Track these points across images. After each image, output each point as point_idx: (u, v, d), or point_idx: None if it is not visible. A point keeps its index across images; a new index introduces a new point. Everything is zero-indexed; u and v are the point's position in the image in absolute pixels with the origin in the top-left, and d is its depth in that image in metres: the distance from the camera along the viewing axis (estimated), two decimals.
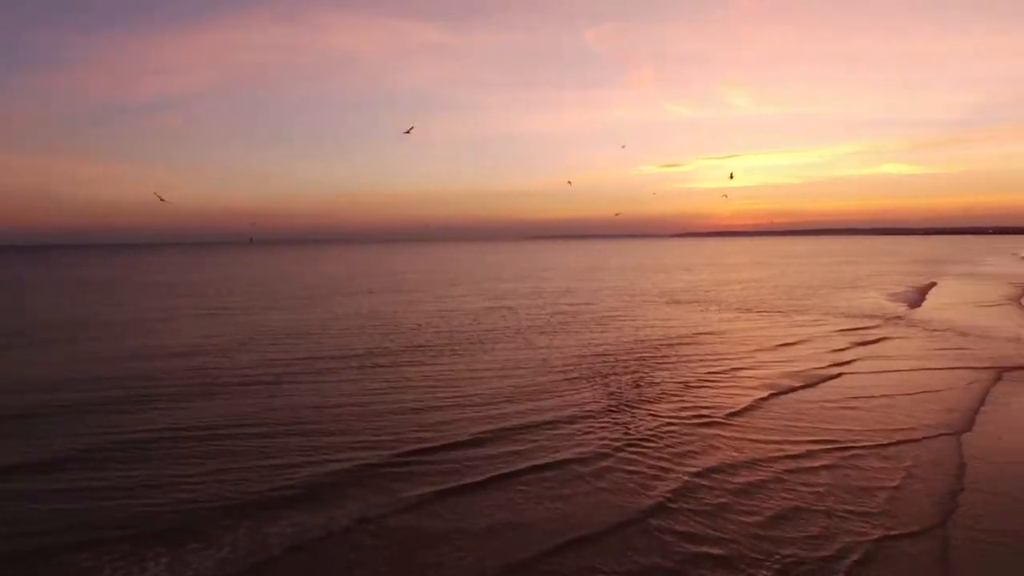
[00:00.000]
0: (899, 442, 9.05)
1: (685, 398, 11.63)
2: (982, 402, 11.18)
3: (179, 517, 6.86)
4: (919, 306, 25.53)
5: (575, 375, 13.49)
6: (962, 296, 29.48)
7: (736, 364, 14.53)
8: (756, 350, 16.31)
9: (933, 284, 35.86)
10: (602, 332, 19.52)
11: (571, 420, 10.20)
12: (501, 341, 17.98)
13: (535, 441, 9.22)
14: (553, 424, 9.99)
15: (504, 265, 68.73)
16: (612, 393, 11.97)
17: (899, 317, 22.09)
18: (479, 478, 7.86)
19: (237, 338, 18.86)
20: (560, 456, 8.57)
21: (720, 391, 12.19)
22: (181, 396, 11.94)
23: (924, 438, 9.24)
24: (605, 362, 14.87)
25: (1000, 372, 13.39)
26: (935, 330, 19.15)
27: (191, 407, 11.19)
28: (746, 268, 57.84)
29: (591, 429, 9.76)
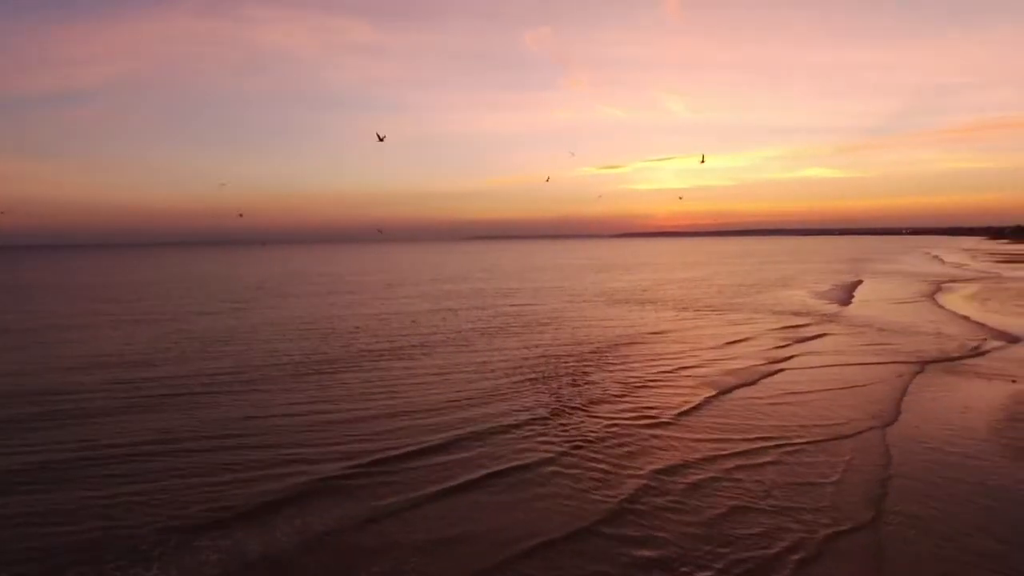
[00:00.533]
0: (835, 437, 9.36)
1: (628, 399, 11.66)
2: (904, 393, 11.78)
3: (95, 547, 6.26)
4: (848, 304, 26.68)
5: (519, 378, 13.33)
6: (885, 294, 31.02)
7: (677, 364, 14.70)
8: (696, 349, 16.59)
9: (859, 282, 37.72)
10: (545, 334, 19.46)
11: (518, 426, 10.02)
12: (443, 344, 17.66)
13: (482, 449, 9.00)
14: (499, 431, 9.78)
15: (446, 266, 68.17)
16: (557, 396, 11.87)
17: (830, 315, 22.99)
18: (427, 490, 7.58)
19: (162, 346, 17.79)
20: (508, 464, 8.39)
21: (662, 391, 12.29)
22: (98, 411, 11.07)
23: (856, 433, 9.59)
24: (548, 364, 14.78)
25: (922, 365, 14.13)
26: (863, 327, 20.02)
27: (109, 423, 10.38)
28: (683, 268, 59.34)
29: (538, 434, 9.62)
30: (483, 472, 8.11)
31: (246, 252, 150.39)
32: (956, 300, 27.08)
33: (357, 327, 21.20)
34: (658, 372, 13.87)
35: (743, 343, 17.38)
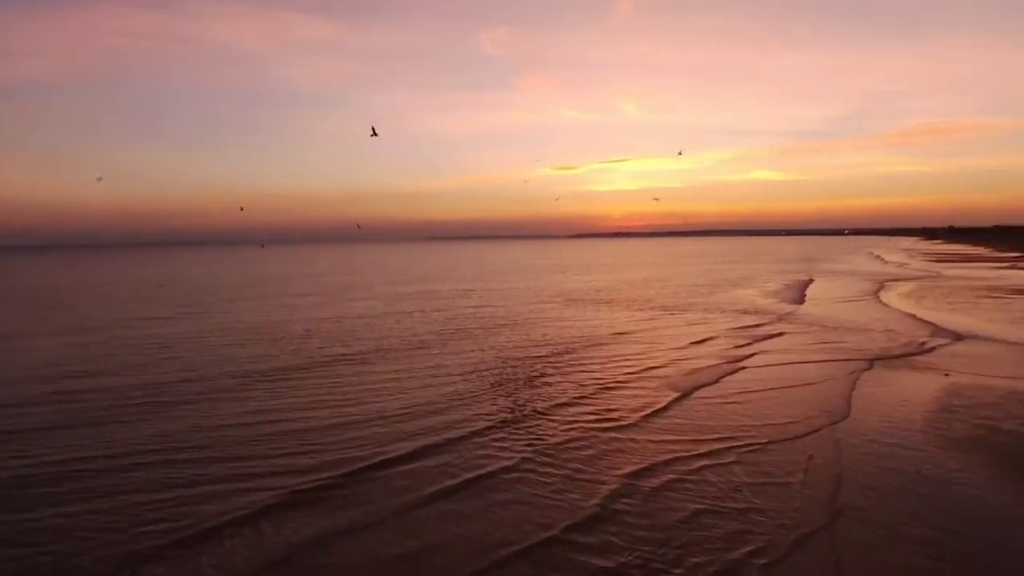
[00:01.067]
0: (791, 436, 9.58)
1: (589, 402, 11.68)
2: (853, 389, 12.28)
3: None
4: (800, 303, 27.45)
5: (477, 383, 13.24)
6: (834, 293, 32.09)
7: (637, 365, 14.83)
8: (656, 350, 16.76)
9: (810, 281, 39.06)
10: (502, 336, 19.47)
11: (478, 433, 9.90)
12: (399, 349, 17.44)
13: (442, 459, 8.84)
14: (459, 440, 9.63)
15: (404, 267, 67.49)
16: (516, 401, 11.81)
17: (784, 314, 23.57)
18: (387, 504, 7.41)
19: (106, 353, 17.01)
20: (469, 474, 8.26)
21: (622, 393, 12.38)
22: (37, 427, 10.49)
23: (810, 431, 9.83)
24: (507, 368, 14.73)
25: (870, 362, 14.72)
26: (815, 325, 20.67)
27: (49, 439, 9.85)
28: (640, 268, 60.27)
29: (499, 441, 9.54)
30: (445, 484, 7.97)
31: (196, 253, 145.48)
32: (901, 298, 28.27)
33: (310, 330, 20.79)
34: (618, 374, 13.98)
35: (702, 343, 17.64)
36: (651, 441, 9.52)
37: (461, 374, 14.07)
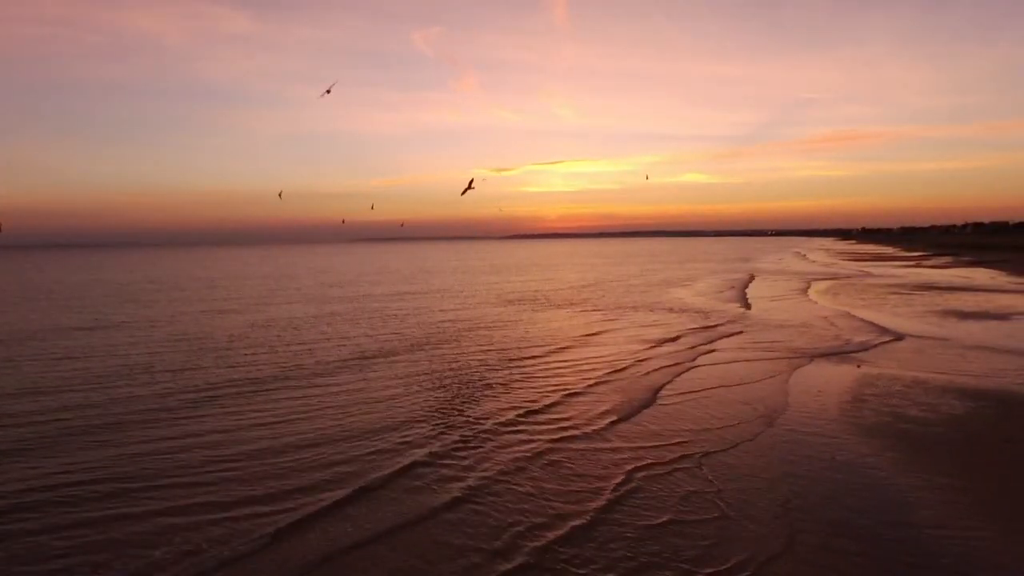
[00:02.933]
0: (737, 443, 9.29)
1: (543, 415, 10.94)
2: (787, 385, 12.65)
3: None
4: (741, 303, 27.94)
5: (416, 399, 12.06)
6: (772, 292, 33.09)
7: (583, 373, 14.35)
8: (600, 356, 16.07)
9: (749, 280, 40.38)
10: (441, 345, 19.09)
11: (424, 463, 8.61)
12: (327, 363, 16.72)
13: (381, 496, 7.61)
14: (401, 471, 8.34)
15: (332, 269, 65.70)
16: (460, 416, 11.02)
17: (726, 314, 24.05)
18: (331, 547, 6.36)
19: None
20: (412, 513, 7.13)
21: (579, 404, 11.75)
22: None
23: (749, 428, 9.92)
24: (447, 379, 13.60)
25: (810, 358, 15.22)
26: (756, 324, 21.16)
27: None
28: (577, 269, 61.07)
29: (442, 466, 8.55)
30: (387, 526, 6.87)
31: (102, 255, 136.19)
32: (834, 297, 29.51)
33: (231, 339, 19.78)
34: (566, 382, 13.31)
35: (652, 347, 17.05)
36: (605, 450, 9.14)
37: (398, 389, 12.79)
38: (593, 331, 20.28)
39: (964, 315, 21.93)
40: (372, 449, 9.19)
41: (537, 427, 10.25)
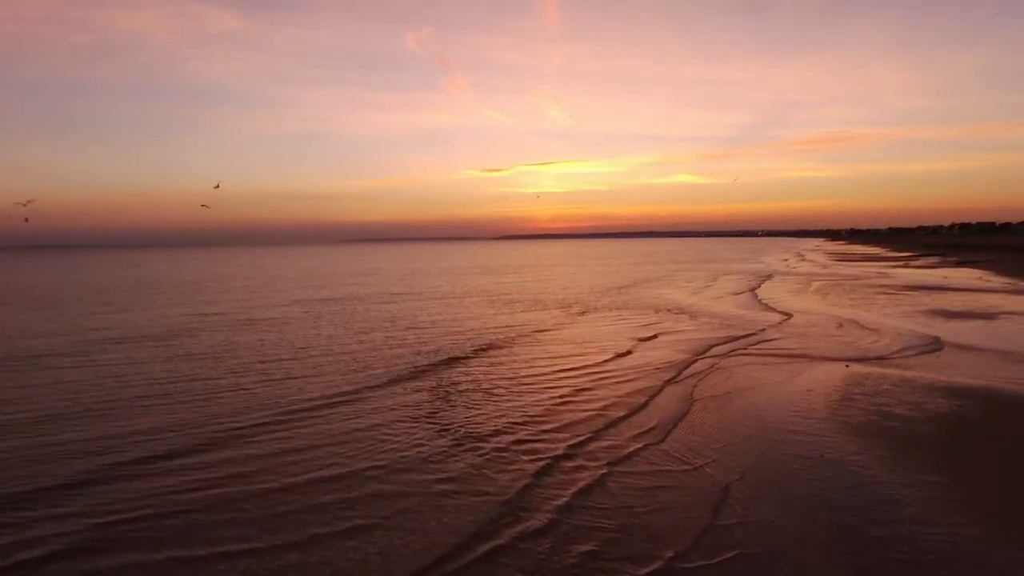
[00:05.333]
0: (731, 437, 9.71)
1: (544, 420, 10.90)
2: (802, 384, 12.71)
3: None
4: (764, 307, 26.34)
5: (395, 409, 11.61)
6: (786, 296, 32.39)
7: (589, 373, 14.37)
8: (605, 358, 15.93)
9: (760, 283, 38.24)
10: (429, 348, 18.92)
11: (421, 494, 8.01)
12: (313, 368, 16.78)
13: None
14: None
15: (319, 270, 65.29)
16: (443, 426, 11.11)
17: (757, 320, 23.90)
18: None
19: None
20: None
21: (581, 401, 12.08)
22: None
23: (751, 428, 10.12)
24: (440, 393, 12.37)
25: (848, 362, 15.28)
26: (805, 327, 21.11)
27: None
28: (601, 270, 60.88)
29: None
30: None
31: (88, 256, 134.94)
32: (844, 300, 29.33)
33: (211, 348, 19.68)
34: (572, 388, 12.86)
35: (689, 362, 15.05)
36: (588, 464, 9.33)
37: (390, 400, 12.10)
38: (604, 333, 20.29)
39: (988, 317, 22.12)
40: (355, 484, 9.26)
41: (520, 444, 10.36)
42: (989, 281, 36.28)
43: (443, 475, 8.09)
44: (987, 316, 21.63)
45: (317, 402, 11.56)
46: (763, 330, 19.44)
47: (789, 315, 22.89)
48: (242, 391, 12.42)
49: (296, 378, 13.53)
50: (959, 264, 53.85)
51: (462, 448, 9.09)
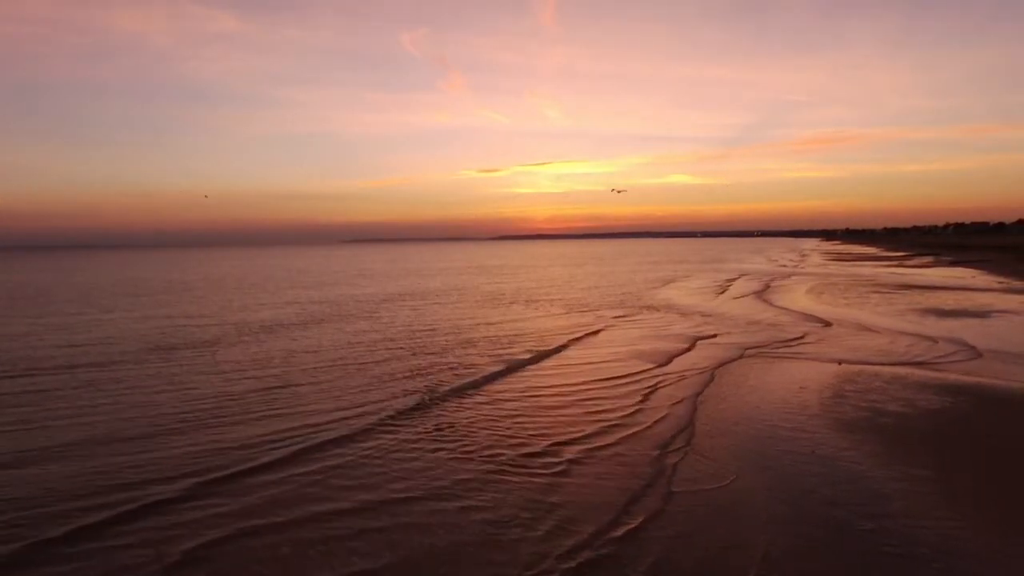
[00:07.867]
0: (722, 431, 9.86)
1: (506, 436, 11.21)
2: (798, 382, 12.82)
3: None
4: (783, 309, 26.11)
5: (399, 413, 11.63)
6: (798, 300, 30.24)
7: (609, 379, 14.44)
8: (616, 361, 15.84)
9: (769, 285, 36.78)
10: (427, 356, 18.79)
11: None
12: (306, 376, 16.77)
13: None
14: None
15: (314, 271, 64.91)
16: (436, 428, 11.22)
17: (776, 322, 23.78)
18: None
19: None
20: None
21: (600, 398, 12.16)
22: None
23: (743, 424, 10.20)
24: (444, 406, 11.27)
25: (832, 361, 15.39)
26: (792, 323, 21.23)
27: None
28: (614, 270, 60.25)
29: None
30: None
31: (84, 257, 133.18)
32: (853, 301, 27.96)
33: (203, 352, 19.65)
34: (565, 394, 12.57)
35: (678, 355, 15.53)
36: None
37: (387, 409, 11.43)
38: (606, 337, 20.34)
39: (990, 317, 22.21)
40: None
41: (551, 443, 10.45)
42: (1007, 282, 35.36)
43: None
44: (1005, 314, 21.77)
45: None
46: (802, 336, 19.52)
47: (828, 323, 22.97)
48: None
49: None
50: (953, 264, 54.01)
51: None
